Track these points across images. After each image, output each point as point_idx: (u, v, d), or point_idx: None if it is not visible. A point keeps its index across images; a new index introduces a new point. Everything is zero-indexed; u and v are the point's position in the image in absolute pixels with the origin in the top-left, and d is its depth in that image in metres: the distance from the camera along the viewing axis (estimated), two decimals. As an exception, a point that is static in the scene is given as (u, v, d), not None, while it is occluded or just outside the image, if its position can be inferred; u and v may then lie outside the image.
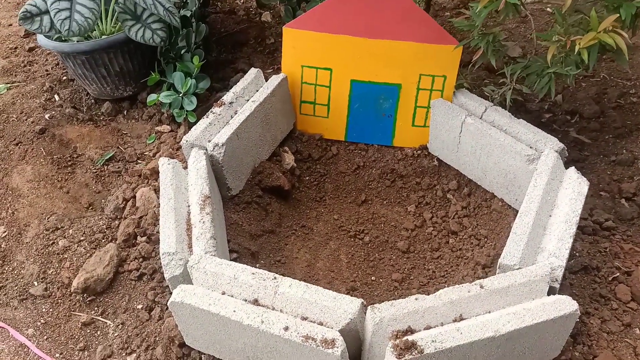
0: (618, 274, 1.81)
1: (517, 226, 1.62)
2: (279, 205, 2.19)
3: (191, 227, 1.75)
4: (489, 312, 1.43)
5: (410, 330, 1.38)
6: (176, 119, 2.50)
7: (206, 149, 1.98)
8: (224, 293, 1.53)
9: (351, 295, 1.98)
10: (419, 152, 2.32)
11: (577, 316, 1.41)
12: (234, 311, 1.45)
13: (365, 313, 1.45)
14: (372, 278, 2.05)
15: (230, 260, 1.90)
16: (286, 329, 1.40)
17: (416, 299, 1.42)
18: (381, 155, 2.35)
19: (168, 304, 1.54)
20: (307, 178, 2.33)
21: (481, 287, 1.45)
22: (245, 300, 1.50)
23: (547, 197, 1.71)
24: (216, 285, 1.55)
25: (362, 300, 1.43)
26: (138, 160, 2.42)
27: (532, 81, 2.13)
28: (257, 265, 1.99)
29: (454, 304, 1.42)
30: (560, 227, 1.62)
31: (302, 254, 2.11)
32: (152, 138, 2.53)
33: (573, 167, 1.80)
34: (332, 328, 1.41)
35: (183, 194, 1.85)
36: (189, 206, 1.82)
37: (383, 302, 1.44)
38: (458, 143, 2.15)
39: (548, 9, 3.14)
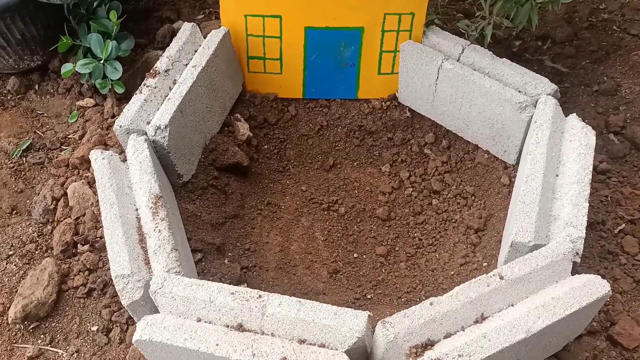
0: (623, 224, 1.68)
1: (525, 194, 1.42)
2: (238, 184, 1.91)
3: (144, 236, 1.46)
4: (512, 305, 1.25)
5: (430, 343, 1.18)
6: (100, 91, 2.11)
7: (146, 134, 1.65)
8: (199, 320, 1.28)
9: (335, 278, 1.79)
10: (387, 103, 2.06)
11: (608, 297, 1.25)
12: (217, 345, 1.20)
13: (372, 325, 1.23)
14: (355, 255, 1.84)
15: (195, 262, 1.63)
16: (284, 360, 1.17)
17: (431, 303, 1.22)
18: (346, 110, 2.08)
19: (133, 342, 1.27)
20: (266, 147, 2.04)
21: (501, 277, 1.26)
22: (228, 327, 1.25)
23: (551, 153, 1.51)
24: (188, 311, 1.28)
25: (369, 313, 1.20)
26: (62, 147, 2.04)
27: (508, 9, 1.90)
28: (226, 260, 1.73)
29: (473, 303, 1.22)
30: (573, 190, 1.43)
31: (273, 237, 1.86)
32: (74, 116, 2.14)
33: (574, 114, 1.60)
34: (336, 349, 1.19)
35: (127, 194, 1.54)
36: (137, 209, 1.51)
37: (392, 312, 1.23)
38: (434, 91, 1.90)
39: None
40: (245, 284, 1.66)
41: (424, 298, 1.63)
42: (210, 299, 1.27)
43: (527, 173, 1.47)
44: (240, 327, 1.25)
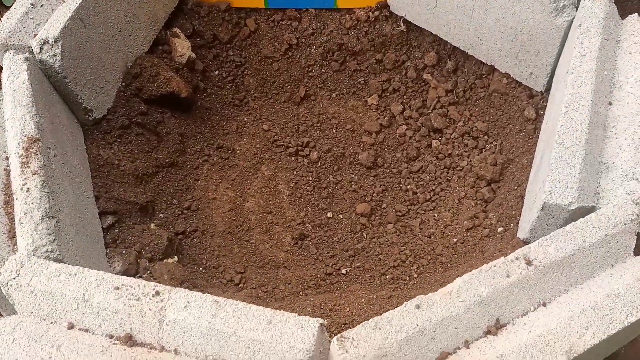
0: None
1: (564, 131, 0.96)
2: (177, 121, 1.45)
3: (12, 197, 1.02)
4: (544, 305, 0.81)
5: (415, 372, 0.75)
6: (4, 3, 1.64)
7: (31, 51, 1.19)
8: (71, 326, 0.85)
9: (301, 245, 1.36)
10: (376, 13, 1.57)
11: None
12: (89, 369, 0.79)
13: (327, 338, 0.81)
14: (328, 215, 1.41)
15: (104, 228, 1.20)
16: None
17: (417, 306, 0.78)
18: (321, 24, 1.59)
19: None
20: (216, 72, 1.57)
21: (528, 262, 0.81)
22: (112, 338, 0.83)
23: (602, 72, 1.03)
24: (56, 313, 0.86)
25: (320, 321, 0.77)
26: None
27: None
28: (154, 223, 1.30)
29: (484, 304, 0.79)
30: (635, 125, 0.97)
31: (222, 191, 1.42)
32: (-25, 36, 1.67)
33: (635, 15, 1.11)
34: (271, 377, 0.77)
35: (-3, 136, 1.10)
36: (7, 158, 1.07)
37: (354, 313, 0.80)
38: (436, -7, 1.41)
39: None
40: (177, 258, 1.24)
41: (415, 276, 1.21)
42: (85, 297, 0.84)
43: (568, 100, 1.00)
44: (129, 340, 0.83)
